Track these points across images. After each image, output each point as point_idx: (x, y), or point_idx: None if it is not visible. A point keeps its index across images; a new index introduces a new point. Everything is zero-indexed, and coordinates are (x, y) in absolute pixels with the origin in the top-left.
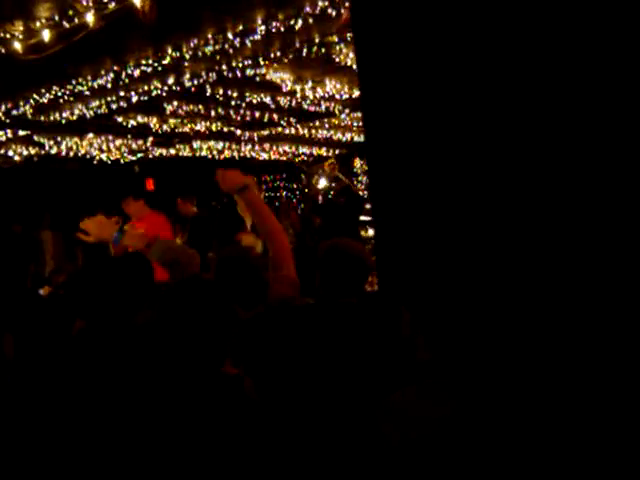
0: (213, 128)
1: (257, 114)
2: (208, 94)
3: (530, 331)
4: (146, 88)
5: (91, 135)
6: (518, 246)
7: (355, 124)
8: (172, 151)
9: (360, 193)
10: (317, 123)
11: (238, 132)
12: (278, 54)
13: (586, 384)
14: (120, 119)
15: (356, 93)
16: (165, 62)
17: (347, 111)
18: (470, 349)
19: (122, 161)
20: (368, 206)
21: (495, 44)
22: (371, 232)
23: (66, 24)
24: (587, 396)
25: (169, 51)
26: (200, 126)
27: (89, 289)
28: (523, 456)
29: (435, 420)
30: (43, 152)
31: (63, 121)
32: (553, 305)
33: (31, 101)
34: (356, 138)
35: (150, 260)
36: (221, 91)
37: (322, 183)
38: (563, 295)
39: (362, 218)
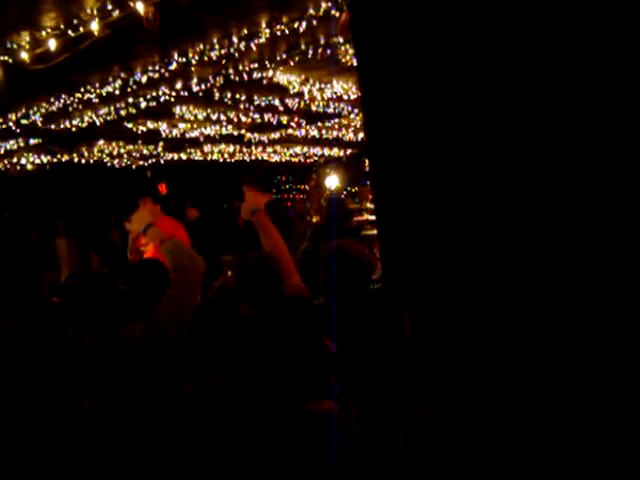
0: (223, 132)
1: (266, 116)
2: (216, 98)
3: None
4: (154, 94)
5: (102, 142)
6: (515, 245)
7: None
8: (183, 156)
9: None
10: (327, 124)
11: (248, 135)
12: (284, 56)
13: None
14: (130, 125)
15: None
16: (172, 67)
17: (356, 111)
18: (471, 345)
19: (134, 167)
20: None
21: (493, 45)
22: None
23: (71, 33)
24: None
25: (175, 57)
26: (210, 130)
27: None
28: (532, 455)
29: (444, 421)
30: (55, 160)
31: (73, 129)
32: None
33: (41, 110)
34: None
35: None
36: (229, 94)
37: (333, 183)
38: (558, 288)
39: (368, 217)
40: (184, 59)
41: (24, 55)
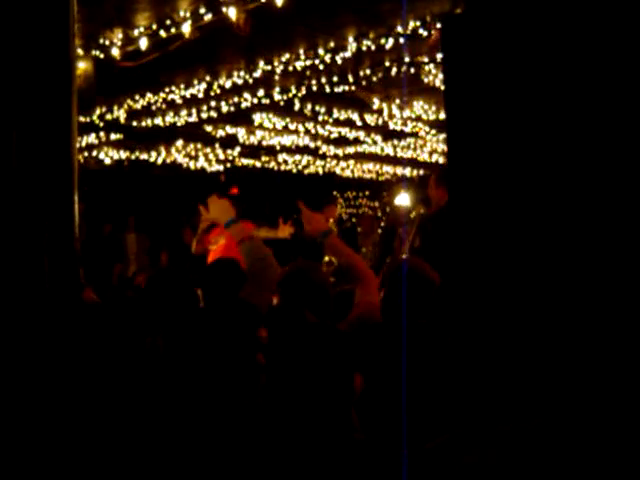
0: (299, 142)
1: (343, 131)
2: (296, 108)
3: None
4: (236, 99)
5: (180, 143)
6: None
7: (441, 146)
8: (258, 163)
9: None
10: (402, 143)
11: (324, 148)
12: (367, 72)
13: None
14: (209, 129)
15: (443, 115)
16: (256, 75)
17: (433, 132)
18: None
19: (208, 169)
20: None
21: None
22: None
23: (163, 33)
24: None
25: (261, 64)
26: (286, 140)
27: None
28: None
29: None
30: (133, 157)
31: (154, 127)
32: None
33: (125, 106)
34: (441, 160)
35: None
36: (309, 106)
37: (403, 202)
38: None
39: None
40: (269, 67)
41: (115, 52)
